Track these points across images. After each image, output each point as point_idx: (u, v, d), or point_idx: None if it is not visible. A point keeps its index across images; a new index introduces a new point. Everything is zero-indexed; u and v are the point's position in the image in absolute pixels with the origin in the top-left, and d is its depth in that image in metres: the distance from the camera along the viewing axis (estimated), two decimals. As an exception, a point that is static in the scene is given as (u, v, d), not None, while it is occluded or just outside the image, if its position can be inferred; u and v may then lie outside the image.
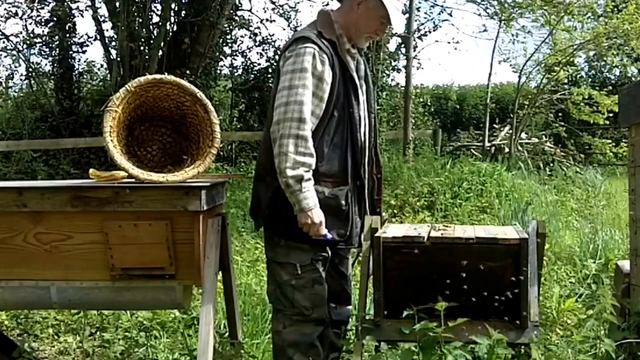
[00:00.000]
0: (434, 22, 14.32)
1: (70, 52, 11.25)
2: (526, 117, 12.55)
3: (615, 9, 11.49)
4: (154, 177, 2.74)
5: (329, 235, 2.71)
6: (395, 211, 7.18)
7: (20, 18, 10.98)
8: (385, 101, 10.73)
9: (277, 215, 2.76)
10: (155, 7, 10.48)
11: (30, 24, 11.01)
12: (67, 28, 11.03)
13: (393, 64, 10.94)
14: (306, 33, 2.75)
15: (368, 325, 2.61)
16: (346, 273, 3.00)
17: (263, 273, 4.41)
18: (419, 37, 11.26)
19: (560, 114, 13.68)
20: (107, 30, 10.81)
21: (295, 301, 2.78)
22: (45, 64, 11.61)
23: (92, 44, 11.38)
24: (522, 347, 2.56)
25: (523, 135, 12.92)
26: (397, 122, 11.66)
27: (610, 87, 12.95)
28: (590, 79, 16.21)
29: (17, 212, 2.76)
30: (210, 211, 2.85)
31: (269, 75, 11.53)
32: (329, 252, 2.82)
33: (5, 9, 10.98)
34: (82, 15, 11.25)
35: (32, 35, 11.00)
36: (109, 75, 11.17)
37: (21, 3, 10.91)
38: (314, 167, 2.66)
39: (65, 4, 10.78)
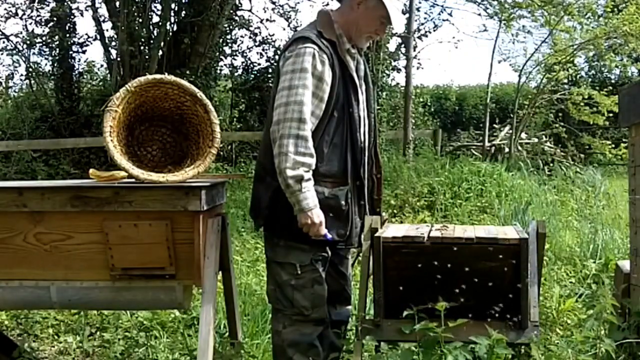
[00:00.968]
0: (434, 22, 14.30)
1: (70, 52, 11.24)
2: (526, 117, 12.52)
3: (616, 9, 11.48)
4: (154, 177, 2.74)
5: (329, 236, 2.71)
6: (395, 211, 7.17)
7: (20, 18, 11.00)
8: (385, 101, 10.71)
9: (276, 215, 2.76)
10: (155, 7, 10.49)
11: (30, 24, 11.04)
12: (67, 28, 11.02)
13: (393, 64, 10.90)
14: (306, 33, 2.75)
15: (368, 325, 2.61)
16: (346, 273, 3.00)
17: (263, 273, 4.41)
18: (419, 37, 11.25)
19: (560, 114, 13.66)
20: (107, 30, 10.84)
21: (295, 301, 2.78)
22: (45, 64, 11.65)
23: (92, 44, 11.42)
24: (522, 347, 2.56)
25: (523, 135, 12.89)
26: (397, 122, 11.65)
27: (610, 87, 12.92)
28: (590, 79, 16.18)
29: (17, 212, 2.76)
30: (210, 211, 2.85)
31: (269, 75, 11.52)
32: (329, 252, 2.82)
33: (5, 9, 11.01)
34: (82, 15, 11.27)
35: (32, 35, 10.99)
36: (109, 75, 11.17)
37: (21, 3, 10.94)
38: (314, 167, 2.66)
39: (65, 4, 10.78)
